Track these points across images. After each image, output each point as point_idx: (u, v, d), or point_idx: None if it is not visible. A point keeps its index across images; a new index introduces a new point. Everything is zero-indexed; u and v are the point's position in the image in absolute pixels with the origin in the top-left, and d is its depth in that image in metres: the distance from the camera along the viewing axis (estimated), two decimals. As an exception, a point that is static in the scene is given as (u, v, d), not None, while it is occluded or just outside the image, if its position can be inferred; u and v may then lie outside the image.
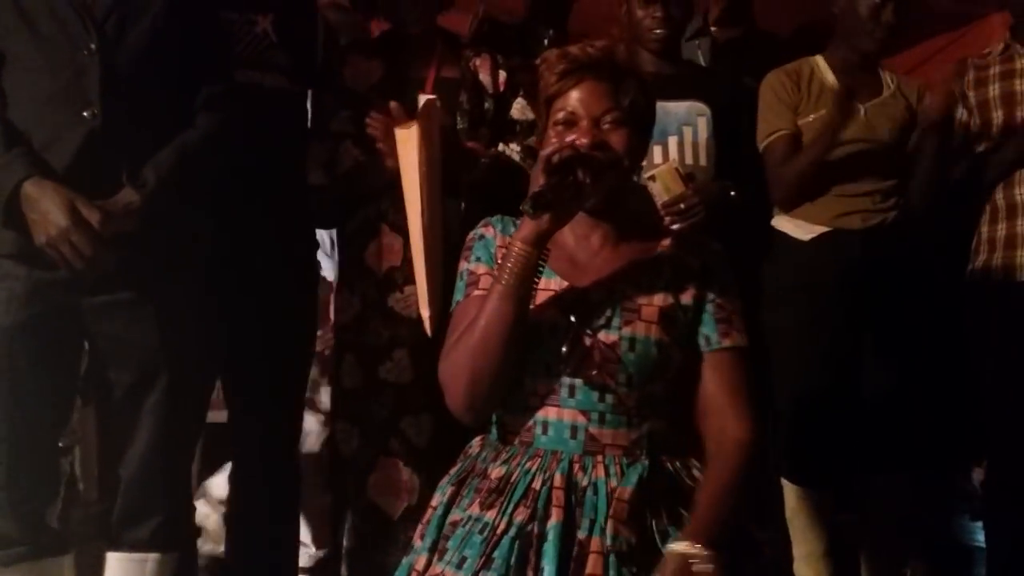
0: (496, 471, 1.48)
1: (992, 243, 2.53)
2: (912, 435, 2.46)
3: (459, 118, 2.29)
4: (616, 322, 1.48)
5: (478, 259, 1.57)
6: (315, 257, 2.42)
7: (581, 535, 1.39)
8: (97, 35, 1.77)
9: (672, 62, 2.42)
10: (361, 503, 2.25)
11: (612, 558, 1.37)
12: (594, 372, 1.46)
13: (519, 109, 2.36)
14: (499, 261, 1.51)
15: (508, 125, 2.34)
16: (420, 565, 1.47)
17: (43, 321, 1.80)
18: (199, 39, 1.90)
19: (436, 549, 1.47)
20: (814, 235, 2.49)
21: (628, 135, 1.50)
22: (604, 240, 1.55)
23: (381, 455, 2.23)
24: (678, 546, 1.37)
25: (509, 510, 1.43)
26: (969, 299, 2.59)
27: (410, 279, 2.22)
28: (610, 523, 1.39)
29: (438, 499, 1.53)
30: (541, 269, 1.44)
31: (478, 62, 2.38)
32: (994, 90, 2.56)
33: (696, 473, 1.50)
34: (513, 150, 2.30)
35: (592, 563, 1.37)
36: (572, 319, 1.47)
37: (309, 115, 2.37)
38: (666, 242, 1.57)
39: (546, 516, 1.41)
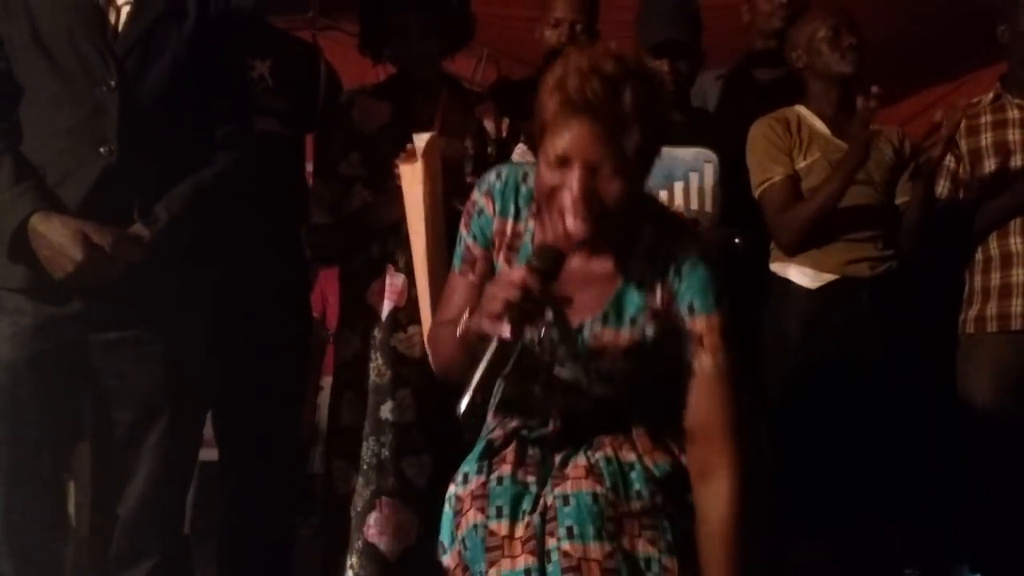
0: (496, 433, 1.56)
1: (986, 292, 2.55)
2: (910, 484, 2.45)
3: (464, 163, 2.32)
4: (582, 358, 1.50)
5: (475, 237, 1.55)
6: (307, 297, 2.45)
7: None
8: (117, 71, 1.79)
9: (681, 109, 2.48)
10: (359, 543, 2.24)
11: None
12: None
13: (519, 154, 2.39)
14: (496, 244, 1.52)
15: None
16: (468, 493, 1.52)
17: (49, 357, 1.79)
18: (219, 79, 1.92)
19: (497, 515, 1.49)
20: (822, 283, 2.43)
21: (626, 182, 1.38)
22: (584, 259, 1.50)
23: (380, 495, 2.23)
24: None
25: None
26: (963, 349, 2.60)
27: (414, 319, 2.23)
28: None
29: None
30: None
31: (482, 108, 2.42)
32: (986, 139, 2.60)
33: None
34: None
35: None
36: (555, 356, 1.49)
37: (307, 156, 2.42)
38: (634, 257, 1.50)
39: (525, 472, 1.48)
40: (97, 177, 1.77)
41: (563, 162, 1.37)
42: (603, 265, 1.50)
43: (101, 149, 1.77)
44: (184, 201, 1.83)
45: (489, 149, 2.37)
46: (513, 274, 1.34)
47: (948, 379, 2.62)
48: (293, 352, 2.38)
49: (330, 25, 4.41)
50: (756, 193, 2.50)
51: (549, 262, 1.33)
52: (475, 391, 1.32)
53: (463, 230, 1.58)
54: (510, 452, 1.51)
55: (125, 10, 1.84)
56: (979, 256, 2.58)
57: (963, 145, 2.62)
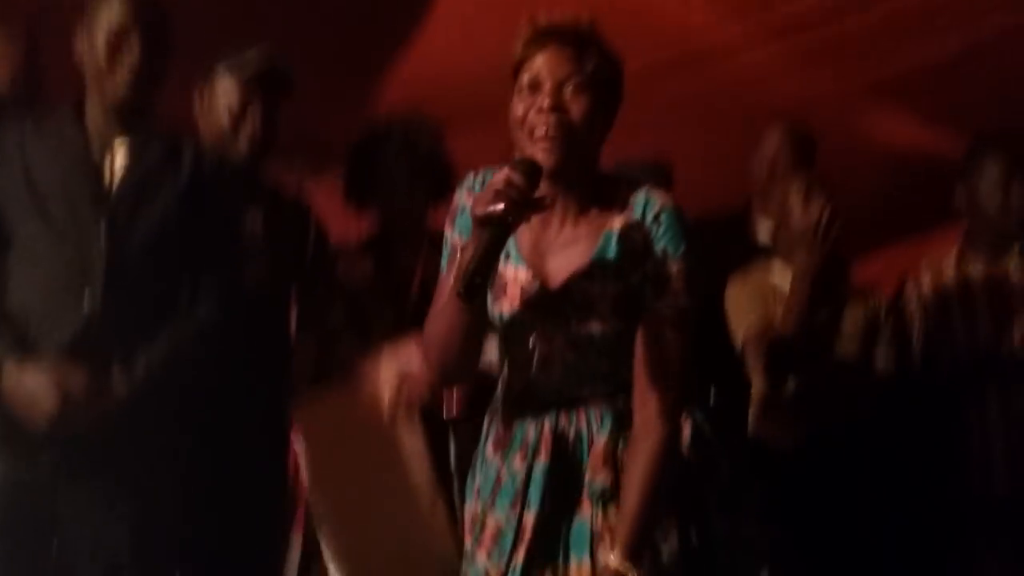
0: (503, 430, 1.63)
1: None
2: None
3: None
4: (574, 322, 1.55)
5: (460, 232, 1.61)
6: (286, 454, 2.41)
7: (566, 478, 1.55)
8: (107, 222, 1.83)
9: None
10: None
11: (595, 498, 1.53)
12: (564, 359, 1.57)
13: None
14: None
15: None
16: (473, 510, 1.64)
17: (19, 509, 1.77)
18: (209, 231, 1.96)
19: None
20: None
21: (590, 101, 1.53)
22: (564, 216, 1.58)
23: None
24: (612, 562, 1.49)
25: (508, 457, 1.59)
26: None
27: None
28: (589, 470, 1.55)
29: (477, 455, 1.67)
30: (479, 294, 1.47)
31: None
32: (952, 297, 2.68)
33: None
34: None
35: (584, 503, 1.55)
36: (541, 319, 1.56)
37: (294, 308, 2.44)
38: (612, 218, 1.58)
39: (534, 458, 1.56)
40: (80, 324, 1.79)
41: (534, 87, 1.53)
42: (583, 227, 1.59)
43: (86, 298, 1.79)
44: (164, 350, 1.84)
45: None
46: (497, 175, 1.44)
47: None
48: (268, 515, 2.33)
49: (315, 176, 4.52)
50: (738, 345, 2.53)
51: (527, 165, 1.45)
52: (473, 273, 1.41)
53: (448, 231, 1.64)
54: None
55: (120, 163, 1.90)
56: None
57: (930, 300, 2.69)
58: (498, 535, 1.57)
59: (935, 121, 3.52)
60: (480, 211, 1.43)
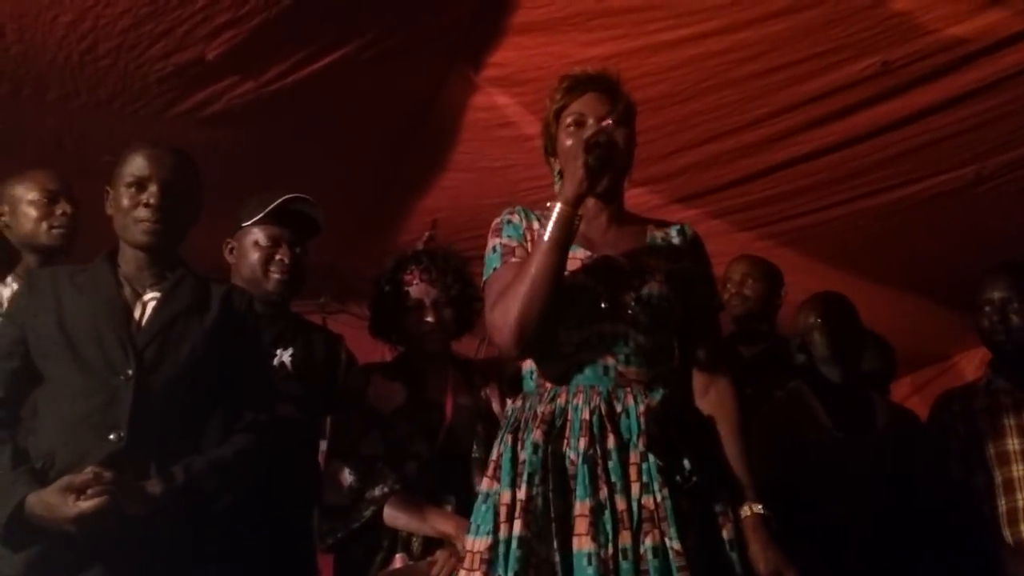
0: (545, 408, 1.79)
1: None
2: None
3: (475, 447, 2.33)
4: (636, 282, 1.81)
5: (508, 236, 1.89)
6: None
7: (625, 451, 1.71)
8: (136, 362, 1.87)
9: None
10: None
11: (645, 465, 1.70)
12: (625, 316, 1.78)
13: None
14: (527, 239, 1.87)
15: None
16: (506, 499, 1.72)
17: None
18: (239, 369, 1.99)
19: (515, 484, 1.73)
20: None
21: (625, 132, 1.87)
22: (609, 221, 1.91)
23: None
24: (754, 508, 1.77)
25: (575, 442, 1.73)
26: None
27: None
28: (643, 421, 1.72)
29: (499, 450, 1.81)
30: (577, 223, 1.76)
31: (488, 391, 2.47)
32: (983, 425, 2.65)
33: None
34: None
35: (632, 471, 1.71)
36: (606, 281, 1.80)
37: (321, 438, 2.43)
38: (651, 225, 1.95)
39: (603, 439, 1.72)
40: (102, 463, 1.79)
41: (579, 124, 1.87)
42: (627, 229, 1.92)
43: (111, 436, 1.81)
44: (204, 469, 1.85)
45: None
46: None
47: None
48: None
49: (340, 309, 4.60)
50: None
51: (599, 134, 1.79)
52: (597, 144, 1.75)
53: (495, 240, 1.90)
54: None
55: (151, 305, 1.96)
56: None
57: (961, 429, 2.67)
58: (595, 519, 1.67)
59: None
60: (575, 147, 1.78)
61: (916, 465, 2.64)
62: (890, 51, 2.77)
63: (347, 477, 2.28)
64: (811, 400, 2.68)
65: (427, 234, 2.66)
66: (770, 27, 2.75)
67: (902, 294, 4.00)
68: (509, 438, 1.81)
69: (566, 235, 1.75)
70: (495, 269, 1.87)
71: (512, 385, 2.51)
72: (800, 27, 2.74)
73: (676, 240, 1.92)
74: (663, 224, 1.96)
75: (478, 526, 1.77)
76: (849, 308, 2.79)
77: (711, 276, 1.95)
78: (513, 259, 1.86)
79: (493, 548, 1.70)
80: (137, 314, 1.94)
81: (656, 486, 1.68)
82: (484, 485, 1.81)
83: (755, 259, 3.25)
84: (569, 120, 1.88)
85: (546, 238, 1.75)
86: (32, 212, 2.57)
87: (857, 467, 2.59)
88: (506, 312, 1.77)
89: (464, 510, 2.22)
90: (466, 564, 1.76)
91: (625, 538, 1.65)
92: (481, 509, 1.78)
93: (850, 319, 2.76)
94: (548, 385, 1.83)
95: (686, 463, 1.70)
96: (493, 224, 1.94)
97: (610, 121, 1.83)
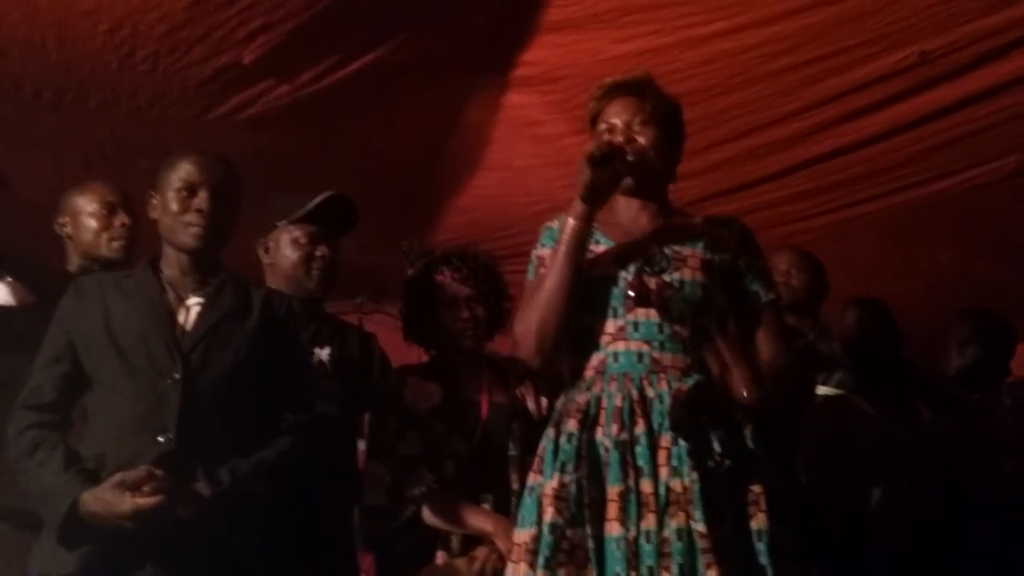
0: (582, 397, 1.82)
1: None
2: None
3: (511, 445, 2.34)
4: (668, 267, 1.82)
5: (543, 244, 1.94)
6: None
7: (654, 435, 1.73)
8: (182, 365, 1.90)
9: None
10: None
11: (676, 449, 1.70)
12: (656, 303, 1.79)
13: None
14: None
15: None
16: (548, 490, 1.75)
17: None
18: (280, 370, 2.02)
19: (562, 470, 1.75)
20: None
21: (655, 133, 1.87)
22: (651, 219, 1.91)
23: None
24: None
25: (608, 429, 1.75)
26: None
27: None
28: (670, 405, 1.73)
29: (543, 444, 1.84)
30: (592, 236, 1.82)
31: (523, 389, 2.47)
32: None
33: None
34: None
35: (662, 455, 1.71)
36: (635, 264, 1.82)
37: (361, 436, 2.46)
38: (696, 219, 1.94)
39: (633, 425, 1.74)
40: (154, 463, 1.82)
41: (610, 130, 1.89)
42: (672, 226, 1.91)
43: (160, 438, 1.85)
44: (249, 471, 1.88)
45: (533, 432, 2.40)
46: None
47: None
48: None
49: (375, 309, 4.64)
50: None
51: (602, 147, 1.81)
52: (607, 148, 1.79)
53: (533, 251, 1.96)
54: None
55: (194, 309, 1.99)
56: None
57: (1010, 421, 2.65)
58: (623, 504, 1.69)
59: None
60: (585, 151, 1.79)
61: (964, 457, 2.61)
62: (928, 41, 2.73)
63: (386, 478, 2.30)
64: (856, 398, 2.68)
65: None
66: (804, 20, 2.73)
67: (941, 289, 3.94)
68: (552, 431, 1.84)
69: (577, 247, 1.80)
70: (529, 281, 1.94)
71: (548, 383, 2.52)
72: (834, 19, 2.71)
73: (721, 231, 1.91)
74: (710, 218, 1.97)
75: (523, 518, 1.79)
76: (886, 309, 2.81)
77: (762, 268, 1.93)
78: (543, 270, 1.91)
79: (537, 539, 1.72)
80: (181, 318, 1.98)
81: (685, 470, 1.69)
82: (530, 479, 1.84)
83: (800, 251, 3.21)
84: (602, 128, 1.90)
85: (559, 253, 1.81)
86: (92, 224, 2.60)
87: (904, 456, 2.57)
88: (526, 325, 1.84)
89: (502, 508, 2.25)
90: (513, 556, 1.78)
91: (649, 521, 1.67)
92: (527, 502, 1.81)
93: (888, 316, 2.77)
94: (586, 375, 1.85)
95: (716, 447, 1.70)
96: (541, 231, 1.98)
97: (616, 140, 1.84)
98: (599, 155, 1.77)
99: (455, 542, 2.23)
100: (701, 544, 1.63)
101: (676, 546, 1.64)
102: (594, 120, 1.93)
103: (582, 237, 1.81)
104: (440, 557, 2.23)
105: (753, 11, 2.73)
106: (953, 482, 2.58)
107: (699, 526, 1.64)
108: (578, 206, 1.80)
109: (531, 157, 3.52)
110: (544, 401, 2.45)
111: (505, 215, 3.73)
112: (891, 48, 2.78)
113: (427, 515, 2.23)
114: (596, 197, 1.79)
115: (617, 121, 1.88)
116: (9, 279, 2.48)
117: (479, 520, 2.22)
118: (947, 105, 2.99)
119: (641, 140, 1.86)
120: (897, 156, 3.26)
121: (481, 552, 2.19)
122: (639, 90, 1.91)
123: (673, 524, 1.65)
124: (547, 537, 1.69)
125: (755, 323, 1.89)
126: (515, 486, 2.26)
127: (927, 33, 2.71)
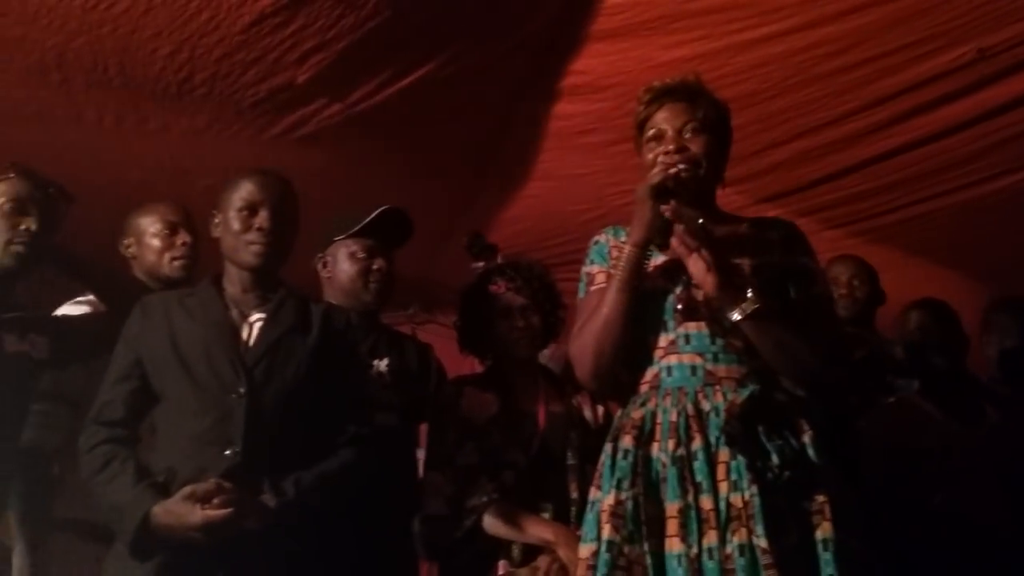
0: (637, 412, 1.80)
1: None
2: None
3: (569, 454, 2.34)
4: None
5: (592, 261, 1.94)
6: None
7: (712, 450, 1.70)
8: (247, 380, 1.94)
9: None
10: None
11: (735, 463, 1.68)
12: (706, 315, 1.77)
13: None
14: (612, 259, 1.88)
15: None
16: (607, 505, 1.74)
17: None
18: (340, 384, 2.05)
19: (618, 487, 1.75)
20: None
21: (707, 140, 1.84)
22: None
23: None
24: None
25: (664, 444, 1.73)
26: None
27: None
28: (724, 419, 1.70)
29: (602, 459, 1.83)
30: (648, 258, 1.80)
31: (579, 398, 2.48)
32: None
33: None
34: None
35: (721, 469, 1.69)
36: (684, 278, 1.79)
37: (422, 446, 2.48)
38: (746, 223, 1.91)
39: (689, 440, 1.72)
40: (221, 477, 1.86)
41: (658, 137, 1.85)
42: (719, 232, 1.84)
43: (227, 452, 1.89)
44: (312, 483, 1.91)
45: (591, 440, 2.40)
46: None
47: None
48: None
49: (428, 319, 4.68)
50: None
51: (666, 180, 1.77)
52: (665, 179, 1.76)
53: (583, 267, 1.95)
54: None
55: (257, 325, 2.03)
56: None
57: None
58: (683, 520, 1.67)
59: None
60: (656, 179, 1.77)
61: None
62: (985, 38, 2.68)
63: (445, 487, 2.32)
64: (920, 401, 2.64)
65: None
66: (856, 20, 2.70)
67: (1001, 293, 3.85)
68: (609, 446, 1.83)
69: (634, 275, 1.80)
70: (580, 299, 1.94)
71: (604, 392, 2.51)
72: (888, 18, 2.68)
73: (771, 234, 1.88)
74: (759, 221, 1.94)
75: (586, 533, 1.79)
76: (951, 310, 2.78)
77: (811, 268, 1.88)
78: (593, 287, 1.90)
79: (596, 555, 1.72)
80: (244, 334, 2.01)
81: (745, 483, 1.66)
82: (592, 493, 1.84)
83: (859, 260, 3.17)
84: (650, 134, 1.87)
85: (616, 279, 1.80)
86: (155, 243, 2.64)
87: (967, 458, 2.53)
88: (583, 349, 1.84)
89: (561, 517, 2.25)
90: (578, 571, 1.78)
91: (711, 537, 1.65)
92: (588, 517, 1.81)
93: (953, 318, 2.72)
94: (641, 390, 1.84)
95: (774, 458, 1.67)
96: (591, 243, 1.97)
97: (678, 168, 1.78)
98: (659, 187, 1.75)
99: (516, 552, 2.24)
100: (764, 560, 1.61)
101: (739, 562, 1.62)
102: (641, 126, 1.89)
103: (639, 265, 1.80)
104: (502, 567, 2.24)
105: (804, 14, 2.70)
106: (1019, 487, 2.53)
107: (761, 541, 1.62)
108: (636, 235, 1.79)
109: (580, 166, 3.52)
110: (600, 409, 2.45)
111: (556, 224, 3.74)
112: (948, 46, 2.74)
113: (488, 525, 2.24)
114: (658, 232, 1.77)
115: (667, 128, 1.85)
116: (92, 296, 2.55)
117: (540, 529, 2.22)
118: (1006, 102, 2.93)
119: (693, 148, 1.83)
120: (953, 155, 3.20)
121: (543, 562, 2.19)
122: (689, 95, 1.87)
123: (735, 540, 1.63)
124: (604, 555, 1.69)
125: (804, 318, 1.83)
126: (574, 495, 2.27)
127: (984, 30, 2.67)
